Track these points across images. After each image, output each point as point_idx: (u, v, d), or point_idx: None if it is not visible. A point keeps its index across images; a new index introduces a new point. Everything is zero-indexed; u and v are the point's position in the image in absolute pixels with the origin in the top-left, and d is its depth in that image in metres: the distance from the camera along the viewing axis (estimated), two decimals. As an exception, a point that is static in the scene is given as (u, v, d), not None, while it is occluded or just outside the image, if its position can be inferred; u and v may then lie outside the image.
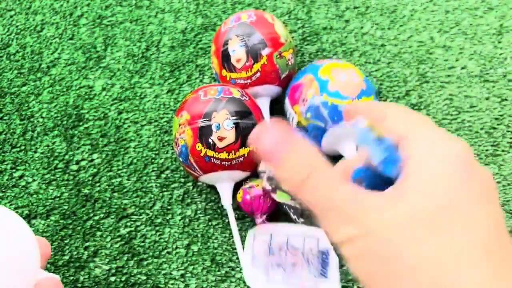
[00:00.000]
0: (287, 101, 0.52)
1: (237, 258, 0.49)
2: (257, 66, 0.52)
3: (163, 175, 0.55)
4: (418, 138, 0.23)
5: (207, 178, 0.49)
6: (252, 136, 0.22)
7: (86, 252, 0.50)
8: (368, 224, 0.20)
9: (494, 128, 0.56)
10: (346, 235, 0.20)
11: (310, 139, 0.49)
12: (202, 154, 0.47)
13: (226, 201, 0.49)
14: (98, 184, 0.54)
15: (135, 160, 0.56)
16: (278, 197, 0.48)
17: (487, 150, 0.55)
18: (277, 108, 0.56)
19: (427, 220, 0.19)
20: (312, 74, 0.50)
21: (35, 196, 0.54)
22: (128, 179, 0.55)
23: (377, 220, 0.20)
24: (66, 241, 0.51)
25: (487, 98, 0.58)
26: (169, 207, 0.53)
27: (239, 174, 0.49)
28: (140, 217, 0.52)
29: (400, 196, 0.20)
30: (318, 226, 0.49)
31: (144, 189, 0.54)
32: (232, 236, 0.50)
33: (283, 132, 0.22)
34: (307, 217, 0.49)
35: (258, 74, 0.52)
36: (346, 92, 0.48)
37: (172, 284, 0.48)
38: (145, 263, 0.50)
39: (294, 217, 0.49)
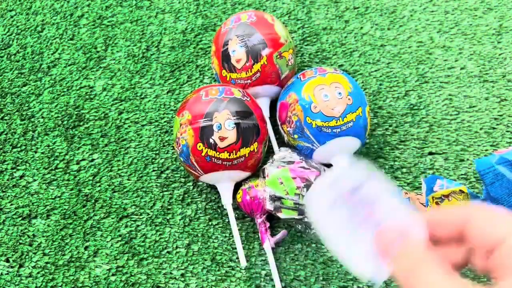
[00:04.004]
0: (277, 117, 0.53)
1: (237, 258, 0.49)
2: (257, 67, 0.52)
3: (164, 175, 0.55)
4: None
5: (207, 178, 0.49)
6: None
7: (86, 252, 0.50)
8: None
9: (494, 128, 0.56)
10: None
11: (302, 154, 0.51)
12: (203, 154, 0.47)
13: (226, 201, 0.49)
14: (98, 184, 0.54)
15: (135, 160, 0.56)
16: (285, 214, 0.48)
17: (486, 150, 0.55)
18: (276, 110, 0.56)
19: None
20: (296, 93, 0.50)
21: (35, 196, 0.54)
22: (128, 179, 0.55)
23: None
24: (66, 241, 0.51)
25: (486, 98, 0.58)
26: (169, 207, 0.53)
27: (240, 174, 0.49)
28: (141, 217, 0.52)
29: None
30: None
31: (144, 189, 0.54)
32: (232, 236, 0.50)
33: (397, 230, 0.27)
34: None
35: (258, 74, 0.53)
36: (329, 113, 0.48)
37: (172, 283, 0.48)
38: (145, 262, 0.50)
39: (303, 230, 0.49)
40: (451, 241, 0.28)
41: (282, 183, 0.48)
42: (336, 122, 0.48)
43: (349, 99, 0.49)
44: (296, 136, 0.50)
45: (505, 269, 0.24)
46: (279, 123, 0.53)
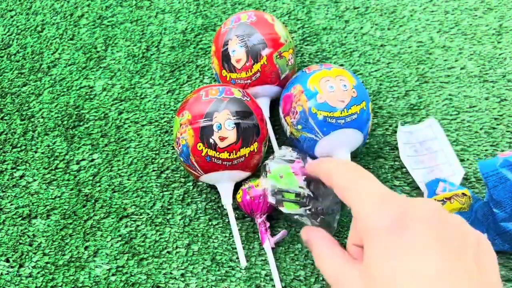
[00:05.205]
0: (280, 111, 0.53)
1: (237, 258, 0.49)
2: (257, 66, 0.52)
3: (163, 175, 0.55)
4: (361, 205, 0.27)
5: (208, 178, 0.49)
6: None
7: (86, 252, 0.50)
8: None
9: (494, 128, 0.56)
10: None
11: (304, 148, 0.50)
12: (203, 154, 0.47)
13: (227, 201, 0.49)
14: (98, 184, 0.54)
15: (135, 160, 0.56)
16: (287, 208, 0.47)
17: (486, 150, 0.55)
18: (277, 109, 0.56)
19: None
20: (301, 85, 0.50)
21: (35, 196, 0.54)
22: (128, 179, 0.55)
23: None
24: (66, 241, 0.51)
25: (486, 98, 0.58)
26: (169, 207, 0.53)
27: (240, 174, 0.49)
28: (141, 217, 0.52)
29: (364, 272, 0.25)
30: (332, 227, 0.51)
31: (144, 189, 0.54)
32: (232, 236, 0.50)
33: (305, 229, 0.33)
34: (322, 219, 0.49)
35: (258, 74, 0.53)
36: (335, 104, 0.48)
37: (172, 283, 0.48)
38: (145, 262, 0.50)
39: (307, 223, 0.49)
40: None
41: (282, 176, 0.47)
42: (341, 113, 0.48)
43: (353, 91, 0.49)
44: (299, 126, 0.50)
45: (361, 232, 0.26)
46: (281, 116, 0.52)
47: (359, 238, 0.28)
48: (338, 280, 0.27)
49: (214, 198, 0.53)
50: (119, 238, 0.51)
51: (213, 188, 0.54)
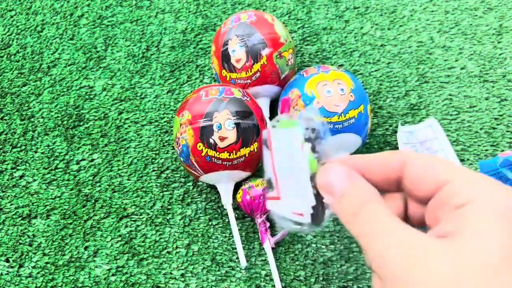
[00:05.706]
0: (278, 113, 0.53)
1: (237, 258, 0.49)
2: (257, 66, 0.52)
3: (163, 175, 0.55)
4: (474, 191, 0.22)
5: (208, 178, 0.49)
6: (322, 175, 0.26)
7: (86, 252, 0.50)
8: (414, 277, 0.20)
9: (494, 128, 0.56)
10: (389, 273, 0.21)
11: None
12: (203, 154, 0.47)
13: (226, 201, 0.49)
14: (98, 184, 0.54)
15: (135, 160, 0.56)
16: (282, 126, 0.32)
17: (486, 150, 0.55)
18: (276, 109, 0.56)
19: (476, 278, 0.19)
20: (299, 89, 0.50)
21: (35, 196, 0.54)
22: (128, 179, 0.55)
23: (427, 273, 0.20)
24: (66, 241, 0.51)
25: (486, 98, 0.58)
26: (169, 207, 0.53)
27: (240, 174, 0.49)
28: (141, 217, 0.52)
29: (454, 252, 0.20)
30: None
31: (144, 189, 0.54)
32: (232, 236, 0.50)
33: (345, 170, 0.25)
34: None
35: (258, 74, 0.53)
36: (332, 109, 0.48)
37: (172, 283, 0.48)
38: (145, 262, 0.50)
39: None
40: (387, 188, 0.25)
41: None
42: (338, 118, 0.48)
43: (351, 95, 0.49)
44: None
45: (454, 217, 0.21)
46: None
47: (419, 208, 0.24)
48: (411, 254, 0.20)
49: (214, 198, 0.53)
50: (119, 238, 0.51)
51: (213, 188, 0.54)
